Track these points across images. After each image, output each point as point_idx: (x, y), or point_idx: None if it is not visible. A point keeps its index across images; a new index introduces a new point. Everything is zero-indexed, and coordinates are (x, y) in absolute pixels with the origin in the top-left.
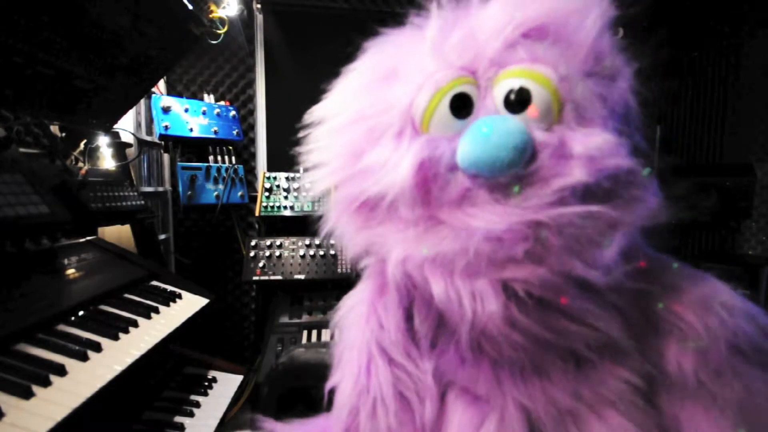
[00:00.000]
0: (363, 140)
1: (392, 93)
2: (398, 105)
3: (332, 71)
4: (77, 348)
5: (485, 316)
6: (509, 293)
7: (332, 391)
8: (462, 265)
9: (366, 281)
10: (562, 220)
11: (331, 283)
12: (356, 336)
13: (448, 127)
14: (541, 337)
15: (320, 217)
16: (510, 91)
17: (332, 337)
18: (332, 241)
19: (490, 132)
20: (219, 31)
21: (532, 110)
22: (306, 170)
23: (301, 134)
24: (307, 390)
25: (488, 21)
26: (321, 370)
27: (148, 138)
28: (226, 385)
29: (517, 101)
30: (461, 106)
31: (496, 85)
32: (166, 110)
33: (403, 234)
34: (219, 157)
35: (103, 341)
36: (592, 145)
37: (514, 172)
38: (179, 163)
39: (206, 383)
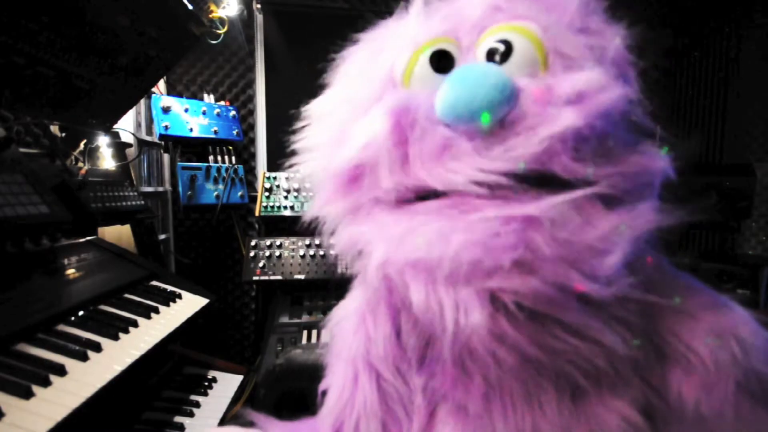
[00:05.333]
0: (349, 119)
1: (377, 62)
2: (379, 73)
3: (332, 71)
4: (77, 348)
5: (468, 329)
6: (498, 304)
7: (324, 393)
8: (445, 272)
9: (357, 290)
10: (556, 212)
11: (332, 283)
12: (344, 348)
13: (428, 83)
14: (532, 356)
15: (312, 217)
16: (491, 47)
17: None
18: (318, 241)
19: (467, 77)
20: (219, 31)
21: (514, 60)
22: (296, 156)
23: (296, 127)
24: (304, 391)
25: None
26: (318, 372)
27: (148, 138)
28: (226, 385)
29: (500, 54)
30: (442, 61)
31: (478, 46)
32: (166, 110)
33: (385, 233)
34: (219, 157)
35: (103, 341)
36: (579, 83)
37: (494, 114)
38: (179, 163)
39: (206, 383)
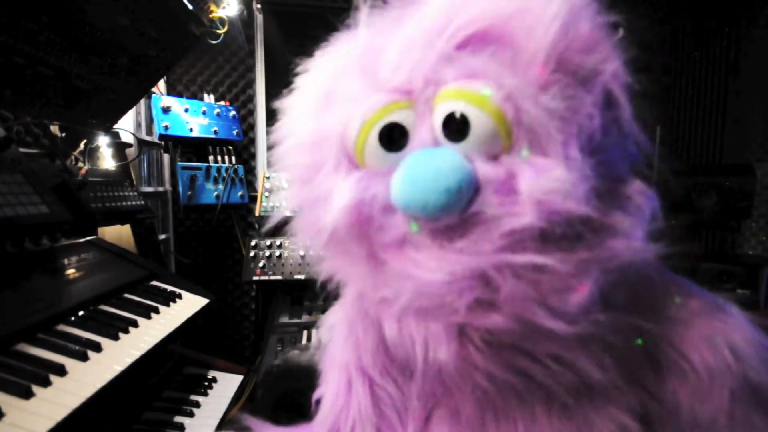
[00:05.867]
0: (309, 168)
1: (327, 120)
2: (331, 136)
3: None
4: (77, 348)
5: (438, 363)
6: (466, 337)
7: (319, 401)
8: (414, 308)
9: (346, 298)
10: (510, 270)
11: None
12: (337, 354)
13: (381, 161)
14: (508, 382)
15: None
16: (447, 117)
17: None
18: None
19: (419, 172)
20: (219, 31)
21: (472, 138)
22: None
23: (267, 154)
24: (303, 391)
25: (422, 29)
26: (316, 373)
27: (148, 138)
28: (226, 385)
29: (456, 129)
30: (393, 137)
31: (435, 108)
32: (166, 110)
33: (357, 270)
34: (219, 157)
35: (103, 341)
36: (539, 187)
37: (451, 214)
38: (179, 163)
39: (206, 383)
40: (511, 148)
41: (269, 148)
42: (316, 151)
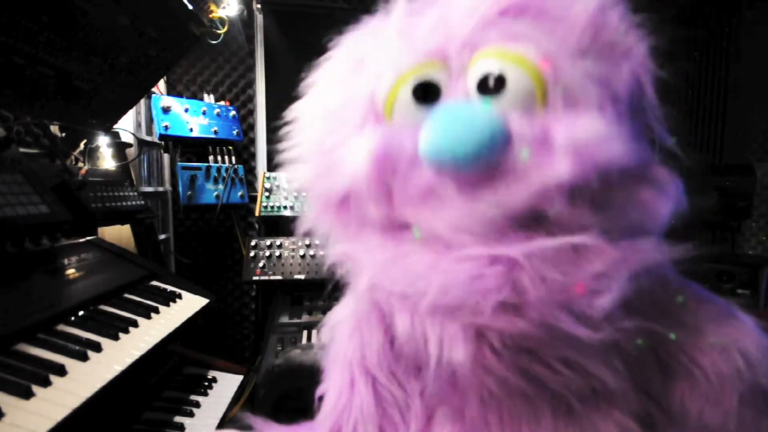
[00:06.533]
0: (332, 135)
1: (357, 81)
2: (361, 95)
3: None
4: (77, 348)
5: (451, 364)
6: (484, 339)
7: (321, 398)
8: (428, 308)
9: (351, 296)
10: (541, 257)
11: (330, 284)
12: (340, 352)
13: (411, 116)
14: (520, 388)
15: (300, 217)
16: (483, 75)
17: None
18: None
19: (453, 120)
20: (219, 31)
21: (508, 95)
22: (283, 166)
23: (280, 131)
24: (304, 391)
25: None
26: (317, 372)
27: (148, 138)
28: (226, 385)
29: (491, 86)
30: (426, 92)
31: (469, 69)
32: (166, 110)
33: (372, 257)
34: (219, 157)
35: (103, 341)
36: (577, 133)
37: (481, 165)
38: (179, 163)
39: (206, 383)
40: (546, 108)
41: (288, 123)
42: (342, 114)
